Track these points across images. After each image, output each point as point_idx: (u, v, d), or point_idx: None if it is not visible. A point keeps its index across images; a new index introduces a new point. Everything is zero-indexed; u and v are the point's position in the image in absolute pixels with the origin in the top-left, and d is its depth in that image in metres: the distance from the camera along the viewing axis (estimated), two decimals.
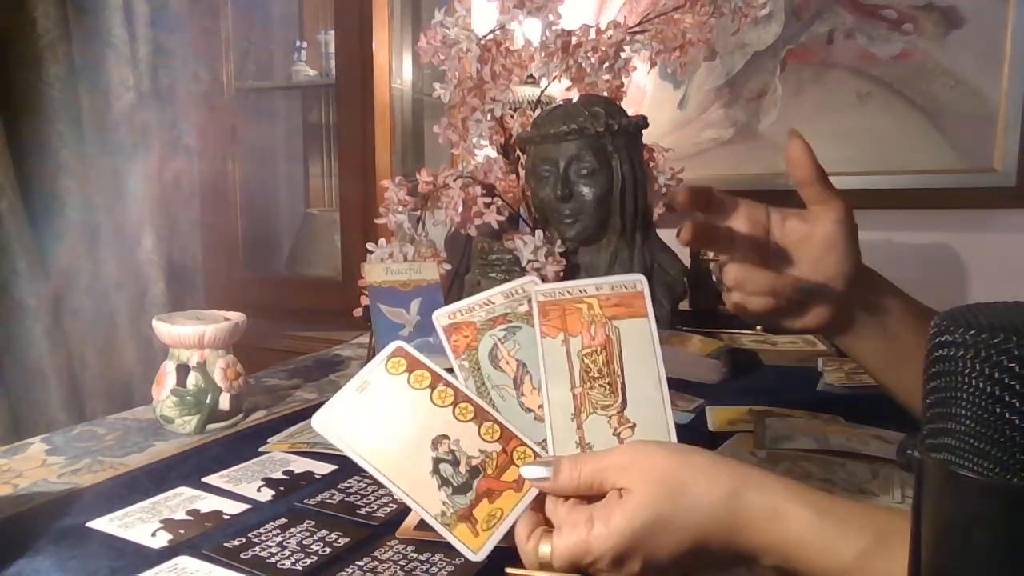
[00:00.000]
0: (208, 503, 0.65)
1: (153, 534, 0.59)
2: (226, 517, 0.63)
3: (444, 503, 0.50)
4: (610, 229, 1.19)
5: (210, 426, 0.85)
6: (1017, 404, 0.27)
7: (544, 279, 1.13)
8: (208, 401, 0.84)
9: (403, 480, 0.51)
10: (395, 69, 2.01)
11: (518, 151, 1.31)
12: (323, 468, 0.73)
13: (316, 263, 2.27)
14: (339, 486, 0.68)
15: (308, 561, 0.55)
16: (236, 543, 0.57)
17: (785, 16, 1.60)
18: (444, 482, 0.51)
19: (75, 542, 0.59)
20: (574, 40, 1.24)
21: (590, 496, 0.47)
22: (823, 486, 0.65)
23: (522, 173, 1.29)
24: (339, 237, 2.10)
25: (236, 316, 0.88)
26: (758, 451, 0.75)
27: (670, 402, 0.53)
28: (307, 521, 0.61)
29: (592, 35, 1.25)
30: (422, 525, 0.52)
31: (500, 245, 1.17)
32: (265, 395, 0.99)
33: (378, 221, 1.24)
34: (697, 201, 0.58)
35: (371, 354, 1.11)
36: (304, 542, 0.58)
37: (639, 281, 0.56)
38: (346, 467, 0.71)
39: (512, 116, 1.31)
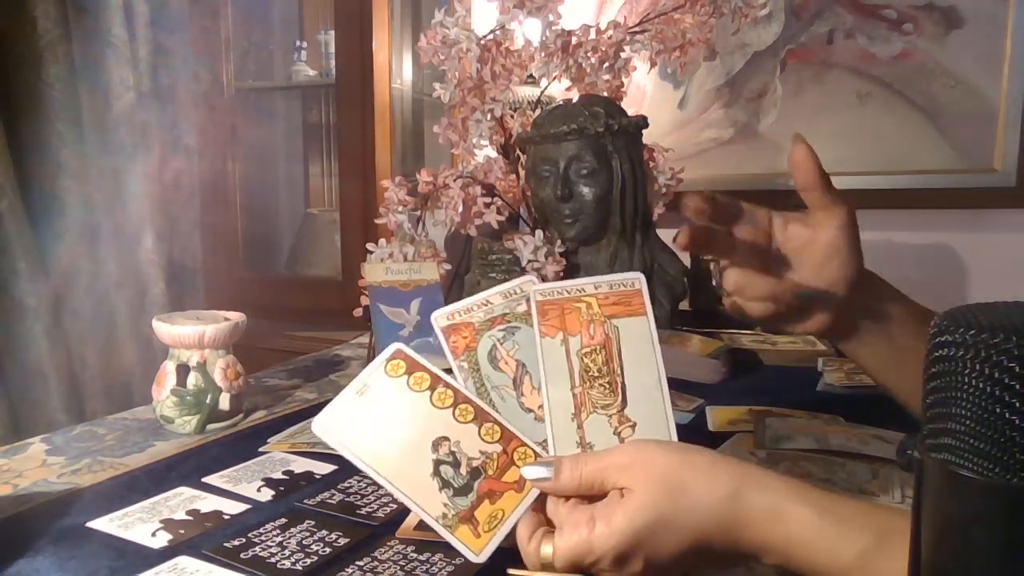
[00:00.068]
0: (208, 503, 0.65)
1: (153, 534, 0.59)
2: (226, 517, 0.63)
3: (445, 505, 0.50)
4: (610, 229, 1.19)
5: (210, 426, 0.85)
6: (1017, 404, 0.27)
7: (544, 279, 1.13)
8: (208, 401, 0.84)
9: (404, 483, 0.51)
10: (395, 69, 2.01)
11: (518, 151, 1.31)
12: (323, 468, 0.73)
13: (316, 263, 2.27)
14: (339, 486, 0.68)
15: (308, 561, 0.55)
16: (236, 543, 0.57)
17: (785, 16, 1.60)
18: (445, 484, 0.51)
19: (75, 542, 0.59)
20: (574, 40, 1.24)
21: (591, 496, 0.47)
22: (823, 486, 0.65)
23: (522, 173, 1.29)
24: (339, 237, 2.10)
25: (236, 316, 0.88)
26: (758, 451, 0.75)
27: (670, 400, 0.53)
28: (307, 521, 0.61)
29: (592, 35, 1.25)
30: (422, 525, 0.52)
31: (500, 245, 1.17)
32: (265, 395, 0.99)
33: (378, 221, 1.24)
34: (709, 211, 0.57)
35: (371, 354, 1.11)
36: (304, 542, 0.58)
37: (637, 279, 0.56)
38: (346, 467, 0.71)
39: (512, 116, 1.31)
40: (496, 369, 0.55)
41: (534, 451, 0.52)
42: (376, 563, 0.55)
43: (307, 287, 2.20)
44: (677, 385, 0.94)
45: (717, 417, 0.86)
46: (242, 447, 0.79)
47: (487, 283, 1.13)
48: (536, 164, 1.19)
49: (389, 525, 0.61)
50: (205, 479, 0.70)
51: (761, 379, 1.07)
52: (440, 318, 0.57)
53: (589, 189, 1.16)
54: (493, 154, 1.34)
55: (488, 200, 1.22)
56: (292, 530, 0.60)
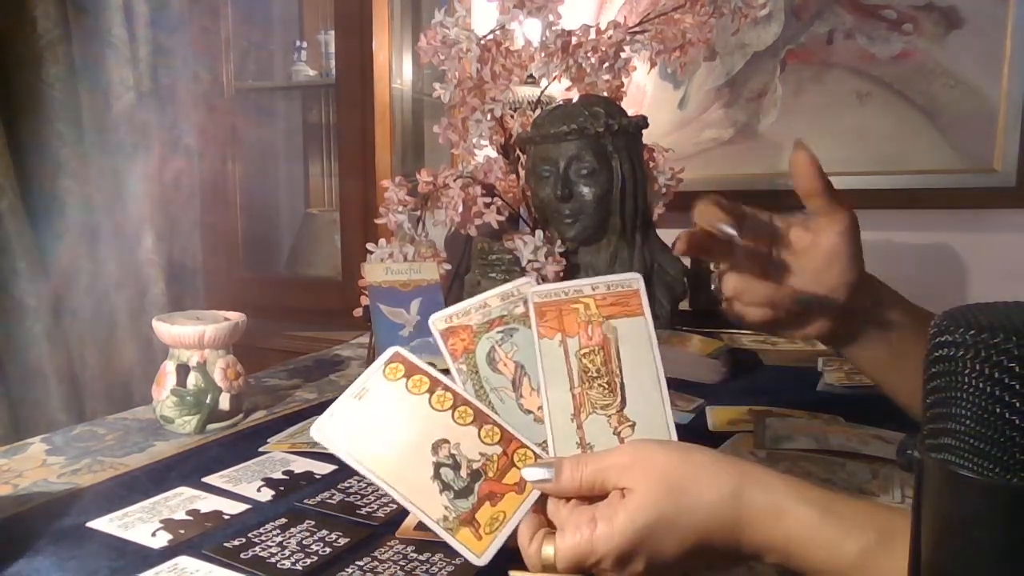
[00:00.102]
0: (208, 503, 0.65)
1: (153, 534, 0.59)
2: (226, 517, 0.63)
3: (446, 507, 0.50)
4: (610, 229, 1.19)
5: (210, 426, 0.85)
6: (1017, 404, 0.27)
7: (544, 279, 1.13)
8: (208, 401, 0.84)
9: (404, 486, 0.50)
10: (395, 69, 2.01)
11: (518, 151, 1.31)
12: (323, 468, 0.73)
13: (316, 263, 2.27)
14: (339, 486, 0.68)
15: (308, 561, 0.55)
16: (236, 543, 0.57)
17: (785, 16, 1.60)
18: (445, 486, 0.51)
19: (75, 542, 0.59)
20: (574, 40, 1.24)
21: (592, 497, 0.47)
22: (824, 485, 0.65)
23: (522, 173, 1.29)
24: (339, 237, 2.10)
25: (236, 316, 0.88)
26: (758, 451, 0.75)
27: (669, 400, 0.53)
28: (307, 521, 0.61)
29: (592, 35, 1.25)
30: (422, 525, 0.52)
31: (500, 245, 1.17)
32: (265, 395, 0.99)
33: (378, 221, 1.24)
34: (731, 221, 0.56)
35: (371, 354, 1.11)
36: (304, 542, 0.58)
37: (635, 280, 0.56)
38: (346, 467, 0.70)
39: (512, 116, 1.31)
40: (495, 371, 0.55)
41: (534, 452, 0.52)
42: (376, 563, 0.55)
43: (307, 287, 2.20)
44: (677, 385, 0.94)
45: (717, 417, 0.86)
46: (242, 447, 0.79)
47: (487, 283, 1.13)
48: (536, 164, 1.19)
49: (389, 525, 0.61)
50: (205, 479, 0.70)
51: (761, 379, 1.07)
52: (438, 321, 0.57)
53: (589, 189, 1.16)
54: (493, 154, 1.34)
55: (488, 200, 1.22)
56: (292, 530, 0.60)
